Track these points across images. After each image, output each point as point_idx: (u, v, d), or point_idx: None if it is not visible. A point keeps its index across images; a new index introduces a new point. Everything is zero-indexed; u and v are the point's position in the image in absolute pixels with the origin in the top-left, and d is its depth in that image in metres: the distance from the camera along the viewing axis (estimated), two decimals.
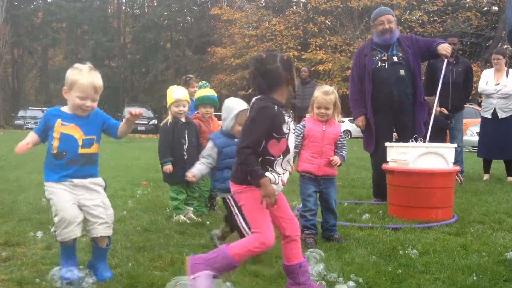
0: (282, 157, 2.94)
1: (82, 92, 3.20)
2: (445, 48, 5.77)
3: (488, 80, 8.30)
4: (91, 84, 3.21)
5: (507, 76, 8.17)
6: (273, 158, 2.91)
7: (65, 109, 3.34)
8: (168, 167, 5.08)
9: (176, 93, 5.17)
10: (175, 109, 5.16)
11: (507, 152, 8.00)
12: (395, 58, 6.00)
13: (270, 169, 2.91)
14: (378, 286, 3.16)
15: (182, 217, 5.09)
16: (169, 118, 5.23)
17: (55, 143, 3.26)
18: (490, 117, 8.16)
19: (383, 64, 6.01)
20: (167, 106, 5.26)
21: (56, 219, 3.18)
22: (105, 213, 3.38)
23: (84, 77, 3.18)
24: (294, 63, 3.10)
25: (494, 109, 8.10)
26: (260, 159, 2.88)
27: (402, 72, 5.96)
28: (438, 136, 7.09)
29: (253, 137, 2.85)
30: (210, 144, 4.08)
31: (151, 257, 3.79)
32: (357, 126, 6.24)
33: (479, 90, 8.49)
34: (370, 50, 6.11)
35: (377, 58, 6.03)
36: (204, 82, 6.36)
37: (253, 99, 2.99)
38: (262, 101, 2.92)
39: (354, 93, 6.25)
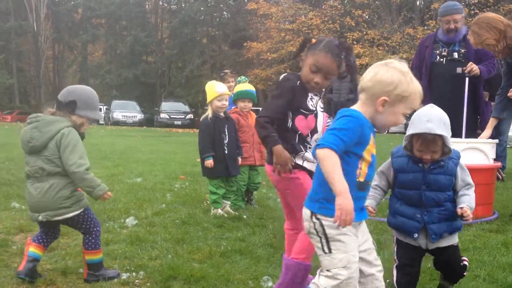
0: (310, 135, 2.90)
1: (412, 108, 2.39)
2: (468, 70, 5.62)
3: None
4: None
5: None
6: (304, 135, 2.88)
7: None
8: (210, 162, 5.13)
9: (219, 87, 5.22)
10: (218, 104, 5.20)
11: None
12: (455, 55, 5.84)
13: (308, 146, 2.87)
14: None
15: (220, 210, 5.15)
16: (209, 113, 5.25)
17: (365, 168, 2.33)
18: None
19: (442, 60, 5.88)
20: (208, 101, 5.27)
21: (342, 275, 2.26)
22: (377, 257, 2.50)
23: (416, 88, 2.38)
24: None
25: None
26: (296, 135, 2.85)
27: (459, 70, 5.80)
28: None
29: (272, 106, 2.87)
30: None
31: (190, 249, 3.86)
32: None
33: None
34: (433, 43, 5.98)
35: (437, 52, 5.91)
36: (243, 77, 6.41)
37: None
38: (286, 75, 3.01)
39: None
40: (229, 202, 5.35)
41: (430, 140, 2.70)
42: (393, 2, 33.09)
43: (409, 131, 2.73)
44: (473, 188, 2.82)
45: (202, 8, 44.20)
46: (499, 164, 5.36)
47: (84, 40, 48.91)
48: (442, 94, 5.84)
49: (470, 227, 4.58)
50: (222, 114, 5.28)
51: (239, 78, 6.39)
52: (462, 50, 5.81)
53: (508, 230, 4.46)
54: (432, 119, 2.69)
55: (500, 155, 6.60)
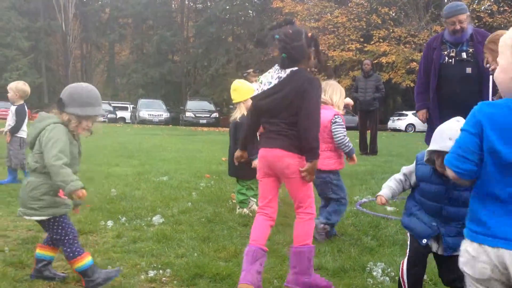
0: None
1: None
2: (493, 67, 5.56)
3: None
4: None
5: None
6: None
7: None
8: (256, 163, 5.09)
9: (254, 85, 5.24)
10: None
11: None
12: (463, 55, 5.79)
13: None
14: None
15: (245, 210, 5.18)
16: (243, 112, 5.12)
17: None
18: None
19: (450, 60, 5.84)
20: (242, 100, 5.16)
21: None
22: None
23: None
24: (318, 39, 3.33)
25: None
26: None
27: (468, 70, 5.75)
28: None
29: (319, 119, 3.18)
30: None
31: (215, 247, 3.91)
32: (419, 119, 6.16)
33: None
34: (440, 44, 5.94)
35: (445, 53, 5.87)
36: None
37: (288, 71, 3.17)
38: (305, 73, 3.19)
39: (419, 86, 6.15)
40: (255, 200, 5.37)
41: (431, 154, 2.60)
42: None
43: (430, 147, 2.60)
44: None
45: (227, 7, 44.34)
46: None
47: (111, 40, 49.51)
48: (453, 95, 5.79)
49: None
50: None
51: (259, 77, 6.35)
52: (470, 50, 5.73)
53: None
54: (454, 136, 2.38)
55: None
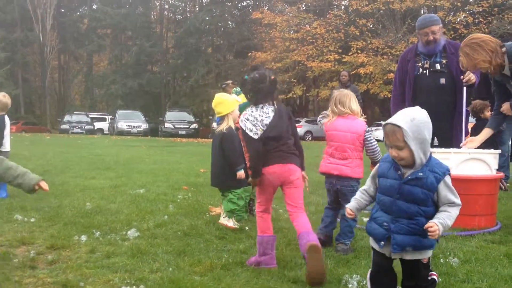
0: None
1: None
2: (466, 79, 5.67)
3: None
4: None
5: None
6: None
7: None
8: (243, 173, 5.11)
9: (237, 97, 5.24)
10: (238, 113, 5.20)
11: None
12: (437, 66, 5.89)
13: None
14: None
15: (232, 221, 5.12)
16: (230, 123, 5.18)
17: None
18: None
19: (425, 72, 5.92)
20: (226, 112, 5.18)
21: None
22: None
23: None
24: (277, 81, 4.01)
25: None
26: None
27: (442, 80, 5.85)
28: (491, 141, 6.92)
29: None
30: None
31: (191, 262, 3.86)
32: None
33: None
34: (414, 56, 6.03)
35: (419, 64, 5.95)
36: (238, 88, 6.35)
37: (275, 103, 3.91)
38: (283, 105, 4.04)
39: (395, 98, 6.21)
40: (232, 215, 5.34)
41: (390, 131, 2.65)
42: (397, 11, 33.14)
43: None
44: (457, 207, 2.67)
45: (207, 18, 44.40)
46: (501, 174, 5.35)
47: (90, 51, 49.19)
48: (428, 105, 5.85)
49: (473, 238, 4.57)
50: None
51: (235, 89, 6.33)
52: (444, 61, 5.84)
53: (511, 241, 4.44)
54: (399, 113, 2.68)
55: (502, 166, 6.58)
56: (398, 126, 2.61)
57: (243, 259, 3.91)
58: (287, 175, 3.80)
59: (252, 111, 3.86)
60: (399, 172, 2.71)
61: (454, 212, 2.65)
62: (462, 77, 5.69)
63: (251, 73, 3.96)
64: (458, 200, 2.68)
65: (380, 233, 2.74)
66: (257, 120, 3.82)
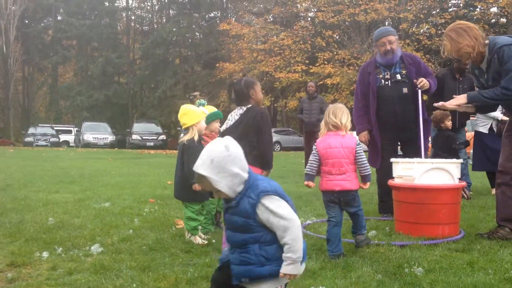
0: None
1: None
2: (421, 84, 5.83)
3: None
4: None
5: None
6: None
7: None
8: (197, 186, 5.00)
9: (203, 109, 5.21)
10: (204, 125, 5.16)
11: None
12: (398, 76, 6.07)
13: None
14: None
15: (198, 238, 5.01)
16: (194, 135, 5.07)
17: None
18: (487, 132, 8.03)
19: (387, 83, 6.08)
20: (192, 123, 5.09)
21: None
22: None
23: None
24: (255, 82, 4.57)
25: (491, 124, 8.00)
26: None
27: (405, 90, 6.03)
28: (450, 150, 7.03)
29: None
30: None
31: (155, 277, 3.79)
32: (361, 141, 6.23)
33: None
34: (374, 68, 6.19)
35: (380, 76, 6.10)
36: (202, 100, 6.21)
37: (244, 108, 4.45)
38: (257, 108, 4.46)
39: (358, 109, 6.30)
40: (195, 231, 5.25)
41: (197, 179, 2.52)
42: (362, 23, 33.67)
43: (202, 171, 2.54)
44: (290, 229, 2.44)
45: (174, 29, 44.29)
46: (464, 183, 5.44)
47: (55, 62, 48.43)
48: (393, 115, 6.05)
49: (437, 247, 4.62)
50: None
51: (198, 101, 6.21)
52: (404, 71, 6.07)
53: (474, 249, 4.51)
54: (201, 156, 2.49)
55: (462, 173, 6.70)
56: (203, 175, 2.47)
57: (208, 273, 3.85)
58: None
59: (234, 111, 4.50)
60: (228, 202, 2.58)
61: (289, 237, 2.44)
62: (415, 80, 5.89)
63: (228, 81, 4.66)
64: (284, 219, 2.45)
65: (222, 255, 2.76)
66: (230, 118, 4.51)
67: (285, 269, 2.45)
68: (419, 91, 5.94)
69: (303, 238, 2.51)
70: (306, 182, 4.58)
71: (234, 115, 4.48)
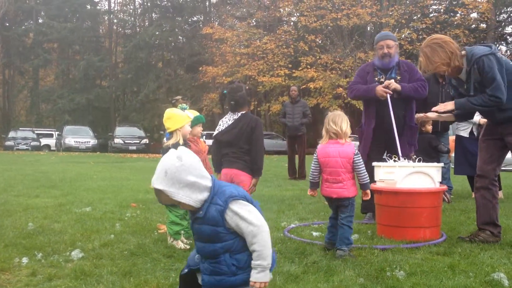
0: None
1: None
2: (385, 89, 5.90)
3: None
4: None
5: None
6: None
7: None
8: None
9: (188, 112, 5.17)
10: (188, 129, 5.11)
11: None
12: (393, 81, 6.13)
13: None
14: None
15: (181, 243, 4.99)
16: (179, 139, 4.97)
17: None
18: (467, 136, 8.13)
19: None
20: (177, 127, 4.99)
21: None
22: None
23: None
24: (252, 90, 4.86)
25: (471, 128, 8.10)
26: None
27: (395, 95, 6.07)
28: (432, 154, 7.10)
29: None
30: None
31: (137, 282, 3.75)
32: (381, 94, 6.00)
33: None
34: (372, 70, 6.28)
35: (376, 78, 6.19)
36: (184, 104, 6.15)
37: (239, 114, 4.71)
38: (251, 115, 4.73)
39: (355, 84, 6.33)
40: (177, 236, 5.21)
41: (156, 193, 2.47)
42: (344, 27, 33.90)
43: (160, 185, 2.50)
44: (260, 235, 2.42)
45: (157, 33, 44.11)
46: (445, 187, 5.49)
47: (36, 65, 47.89)
48: (383, 118, 6.10)
49: (419, 250, 4.65)
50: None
51: (180, 105, 6.16)
52: (398, 78, 6.13)
53: (455, 252, 4.55)
54: (156, 170, 2.45)
55: (444, 177, 6.77)
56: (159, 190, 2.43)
57: None
58: (230, 179, 4.55)
59: (226, 116, 4.68)
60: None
61: (258, 243, 2.42)
62: (381, 79, 5.99)
63: (228, 87, 4.75)
64: (253, 225, 2.43)
65: (191, 261, 2.70)
66: (221, 124, 4.70)
67: (255, 277, 2.44)
68: (389, 95, 5.96)
69: (272, 246, 2.49)
70: (309, 192, 4.76)
71: (227, 121, 4.68)
